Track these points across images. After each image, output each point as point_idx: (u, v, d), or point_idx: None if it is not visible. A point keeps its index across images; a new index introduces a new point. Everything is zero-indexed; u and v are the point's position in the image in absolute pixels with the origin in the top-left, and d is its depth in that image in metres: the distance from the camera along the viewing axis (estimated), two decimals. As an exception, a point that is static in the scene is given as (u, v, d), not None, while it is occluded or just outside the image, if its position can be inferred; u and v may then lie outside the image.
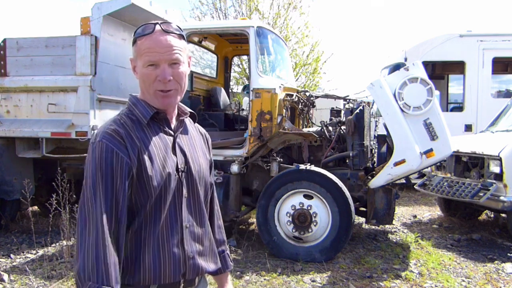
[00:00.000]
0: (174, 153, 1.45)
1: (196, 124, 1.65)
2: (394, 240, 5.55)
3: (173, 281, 1.40)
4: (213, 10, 13.29)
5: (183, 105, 1.56)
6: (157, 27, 1.40)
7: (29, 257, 4.93)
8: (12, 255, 4.95)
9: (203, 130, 1.68)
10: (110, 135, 1.34)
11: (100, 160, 1.30)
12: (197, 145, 1.56)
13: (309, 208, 4.61)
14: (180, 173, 1.44)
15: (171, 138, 1.47)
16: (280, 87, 5.11)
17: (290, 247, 4.72)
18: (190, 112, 1.57)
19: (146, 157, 1.36)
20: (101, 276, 1.22)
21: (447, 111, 9.49)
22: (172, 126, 1.49)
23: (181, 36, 1.44)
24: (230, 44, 6.94)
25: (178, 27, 1.45)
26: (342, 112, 5.56)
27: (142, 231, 1.38)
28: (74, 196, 5.44)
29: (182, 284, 1.44)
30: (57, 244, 5.30)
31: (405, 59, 8.33)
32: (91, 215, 1.27)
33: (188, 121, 1.58)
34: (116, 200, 1.29)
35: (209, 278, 1.73)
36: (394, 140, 4.56)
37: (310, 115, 6.08)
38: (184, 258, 1.42)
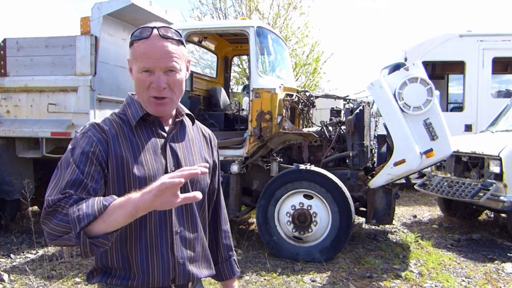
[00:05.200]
0: (164, 155, 1.41)
1: (201, 125, 1.62)
2: (394, 240, 5.55)
3: (162, 286, 1.38)
4: (213, 10, 13.28)
5: (182, 106, 1.53)
6: (155, 32, 1.36)
7: (29, 257, 4.93)
8: (12, 255, 4.96)
9: (208, 131, 1.64)
10: (95, 129, 1.36)
11: (80, 144, 1.32)
12: (194, 148, 1.51)
13: (309, 208, 4.61)
14: None
15: (162, 140, 1.43)
16: (280, 87, 5.11)
17: (290, 247, 4.72)
18: (186, 113, 1.53)
19: (130, 158, 1.34)
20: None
21: (447, 111, 9.48)
22: (167, 127, 1.46)
23: (179, 42, 1.40)
24: (230, 44, 6.94)
25: (177, 31, 1.41)
26: (342, 112, 5.56)
27: (129, 235, 1.36)
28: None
29: None
30: (57, 244, 5.29)
31: (405, 59, 8.32)
32: (59, 171, 1.29)
33: (187, 122, 1.55)
34: (84, 177, 1.27)
35: (211, 281, 1.73)
36: (394, 140, 4.56)
37: (310, 115, 6.08)
38: (174, 264, 1.38)
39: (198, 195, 1.11)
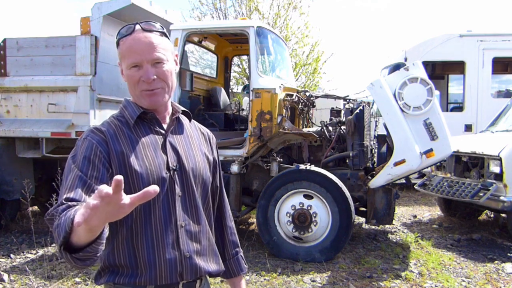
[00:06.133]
0: (165, 151, 1.43)
1: (198, 124, 1.64)
2: (394, 240, 5.55)
3: (170, 282, 1.38)
4: (213, 10, 13.28)
5: (176, 103, 1.55)
6: (137, 27, 1.40)
7: (29, 257, 4.93)
8: (12, 255, 4.96)
9: (206, 130, 1.65)
10: (93, 132, 1.38)
11: (81, 151, 1.34)
12: (194, 143, 1.53)
13: (309, 208, 4.61)
14: (171, 171, 1.41)
15: (161, 137, 1.45)
16: (280, 87, 5.11)
17: (290, 247, 4.72)
18: (183, 110, 1.54)
19: (131, 155, 1.36)
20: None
21: (447, 111, 9.48)
22: (165, 125, 1.48)
23: (163, 34, 1.43)
24: (230, 44, 6.94)
25: (161, 26, 1.44)
26: (342, 112, 5.56)
27: (134, 231, 1.36)
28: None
29: (181, 287, 1.42)
30: (57, 244, 5.29)
31: (405, 59, 8.32)
32: (64, 181, 1.29)
33: (184, 120, 1.56)
34: (88, 179, 1.27)
35: (211, 280, 1.73)
36: (394, 140, 4.56)
37: (310, 115, 6.08)
38: (180, 258, 1.39)
39: (155, 188, 0.96)
